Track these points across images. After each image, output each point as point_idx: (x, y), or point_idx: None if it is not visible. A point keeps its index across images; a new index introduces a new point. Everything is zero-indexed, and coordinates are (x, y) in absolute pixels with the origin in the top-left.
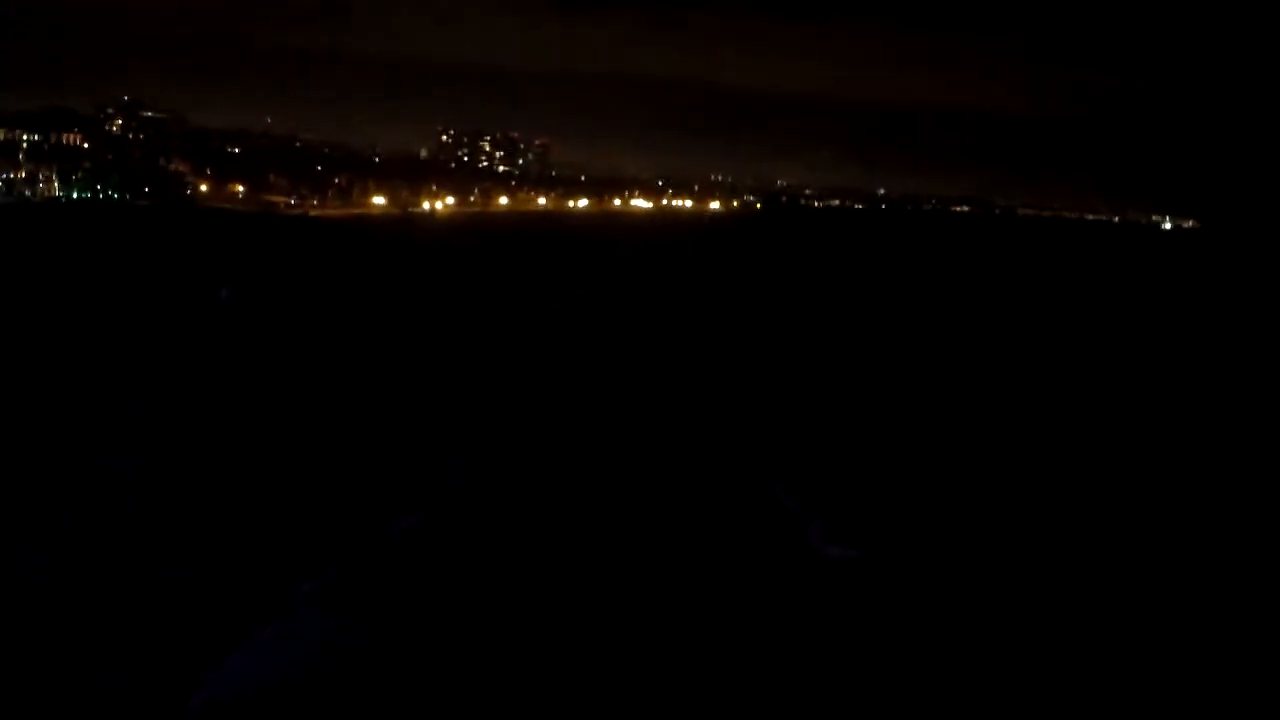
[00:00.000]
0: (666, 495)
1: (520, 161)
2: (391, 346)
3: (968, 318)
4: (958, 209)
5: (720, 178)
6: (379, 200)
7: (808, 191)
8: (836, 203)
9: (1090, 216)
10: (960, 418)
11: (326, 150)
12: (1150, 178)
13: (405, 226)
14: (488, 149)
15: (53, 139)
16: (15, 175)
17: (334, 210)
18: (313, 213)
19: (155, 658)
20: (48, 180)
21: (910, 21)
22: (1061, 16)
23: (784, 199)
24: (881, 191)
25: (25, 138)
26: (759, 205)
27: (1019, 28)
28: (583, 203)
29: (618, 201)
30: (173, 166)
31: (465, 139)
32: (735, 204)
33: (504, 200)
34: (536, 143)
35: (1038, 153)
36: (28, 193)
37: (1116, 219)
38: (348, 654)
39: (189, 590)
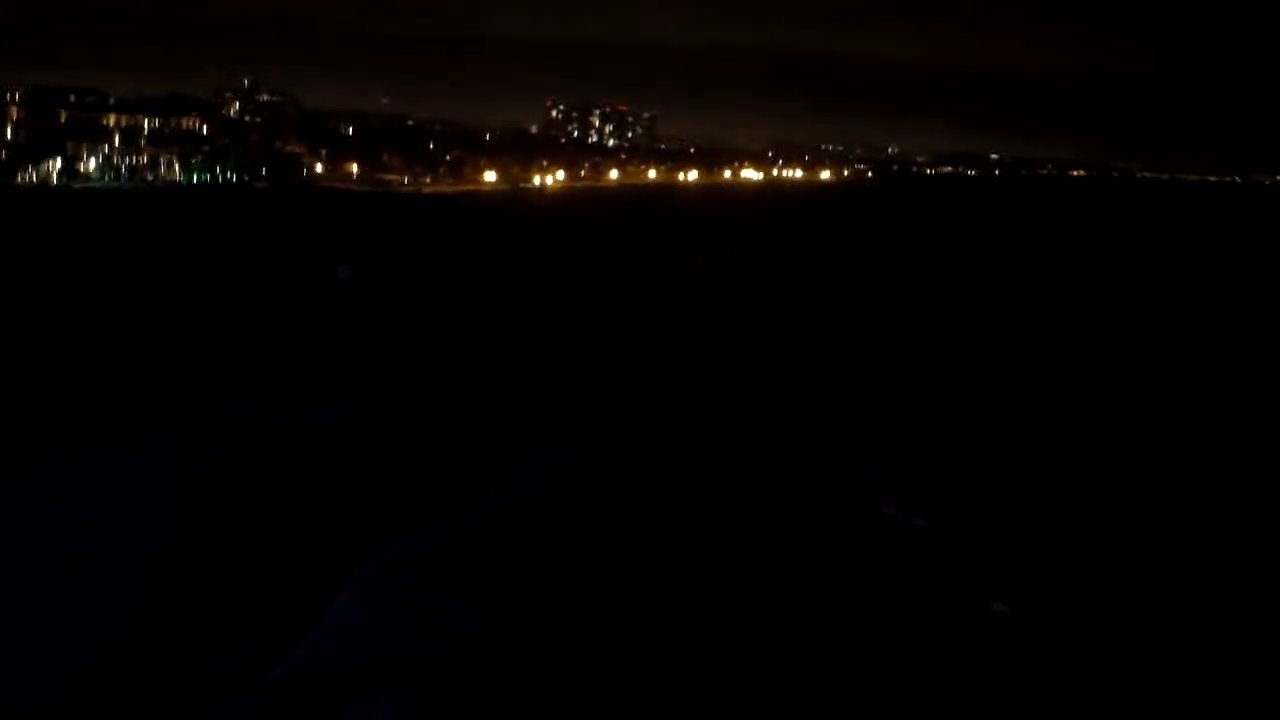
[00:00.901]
0: (752, 471)
1: (629, 135)
2: (499, 322)
3: (1087, 288)
4: (1074, 173)
5: (830, 146)
6: (490, 176)
7: (919, 158)
8: (949, 169)
9: (1212, 178)
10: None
11: (438, 128)
12: (1272, 138)
13: (516, 202)
14: (597, 123)
15: (172, 124)
16: (138, 160)
17: (446, 187)
18: (426, 190)
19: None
20: (168, 164)
21: None
22: None
23: (895, 166)
24: (995, 156)
25: (146, 123)
26: (870, 174)
27: None
28: (692, 175)
29: (727, 173)
30: (289, 148)
31: (574, 113)
32: (845, 173)
33: (614, 174)
34: (645, 115)
35: (1153, 115)
36: (149, 177)
37: (1238, 179)
38: (437, 626)
39: (290, 552)
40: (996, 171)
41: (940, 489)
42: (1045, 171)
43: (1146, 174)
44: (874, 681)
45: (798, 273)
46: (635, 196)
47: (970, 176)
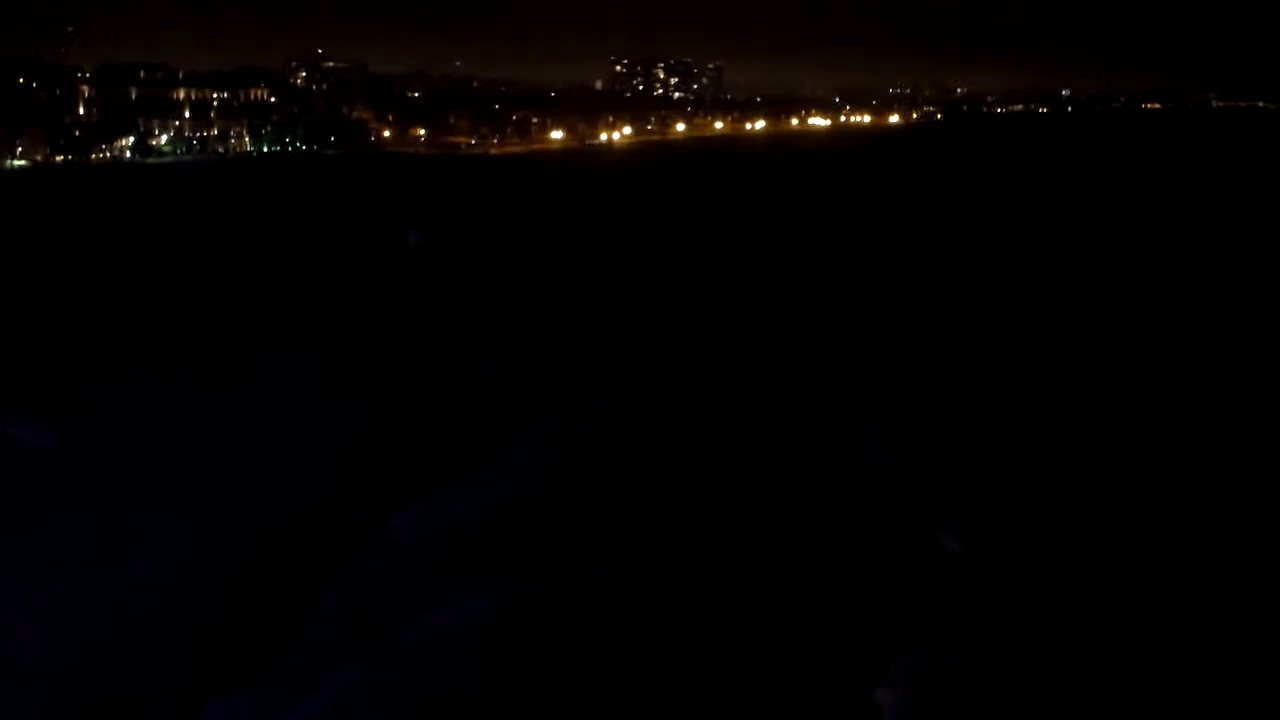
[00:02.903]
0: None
1: (695, 86)
2: (563, 280)
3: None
4: (1148, 105)
5: (898, 89)
6: (557, 135)
7: (989, 98)
8: (1020, 107)
9: None
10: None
11: (503, 88)
12: None
13: (583, 159)
14: (662, 76)
15: (241, 96)
16: (208, 133)
17: (514, 147)
18: (493, 151)
19: None
20: (238, 136)
21: None
22: None
23: (964, 107)
24: (1066, 92)
25: (215, 96)
26: (939, 116)
27: None
28: (760, 124)
29: (795, 121)
30: (355, 115)
31: (639, 67)
32: (915, 116)
33: (681, 126)
34: (710, 66)
35: (1227, 37)
36: (220, 149)
37: None
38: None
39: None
40: (1069, 109)
41: None
42: (1117, 105)
43: (1224, 103)
44: None
45: (858, 219)
46: (702, 148)
47: (1042, 114)
